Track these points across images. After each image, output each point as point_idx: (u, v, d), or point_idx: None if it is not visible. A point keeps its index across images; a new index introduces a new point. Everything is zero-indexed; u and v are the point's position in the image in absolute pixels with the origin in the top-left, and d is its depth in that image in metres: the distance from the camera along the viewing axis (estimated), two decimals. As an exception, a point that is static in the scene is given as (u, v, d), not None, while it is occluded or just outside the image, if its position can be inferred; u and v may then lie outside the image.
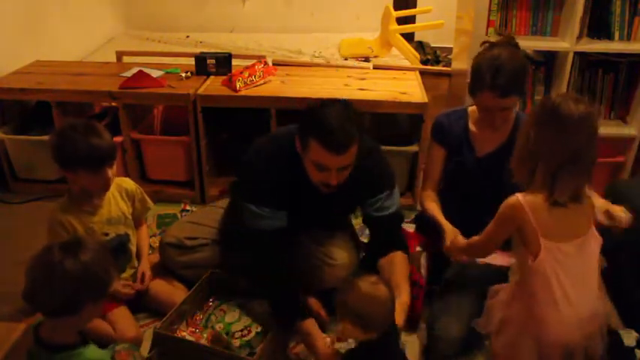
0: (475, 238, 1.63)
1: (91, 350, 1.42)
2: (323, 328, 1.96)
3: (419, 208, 2.42)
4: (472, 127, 2.00)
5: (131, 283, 1.97)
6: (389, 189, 1.91)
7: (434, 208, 2.01)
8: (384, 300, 1.48)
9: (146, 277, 2.00)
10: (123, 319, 1.89)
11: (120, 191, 1.98)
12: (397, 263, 1.86)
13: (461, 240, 1.75)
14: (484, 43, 1.90)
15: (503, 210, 1.48)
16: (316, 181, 1.74)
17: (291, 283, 1.83)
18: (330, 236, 2.07)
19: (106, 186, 1.87)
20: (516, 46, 1.85)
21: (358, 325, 1.47)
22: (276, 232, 1.82)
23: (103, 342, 1.78)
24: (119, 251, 1.96)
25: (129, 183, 2.03)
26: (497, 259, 1.83)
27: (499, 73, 1.75)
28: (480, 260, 1.85)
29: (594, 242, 1.49)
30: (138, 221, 2.08)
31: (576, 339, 1.46)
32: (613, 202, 1.58)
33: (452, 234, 1.86)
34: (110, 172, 1.83)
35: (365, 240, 2.27)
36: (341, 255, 2.02)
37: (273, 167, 1.82)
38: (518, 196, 1.44)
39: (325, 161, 1.66)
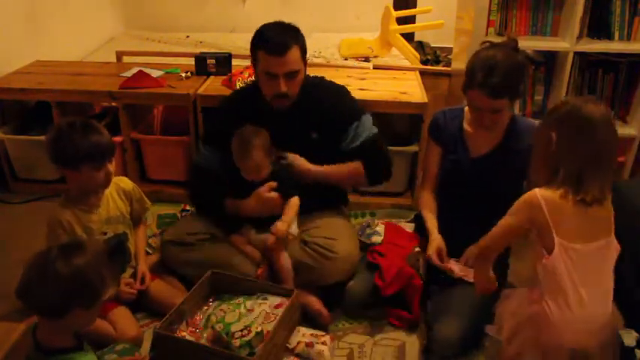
0: (485, 238, 1.59)
1: (82, 358, 1.42)
2: (325, 328, 1.98)
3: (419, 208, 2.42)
4: (467, 126, 2.00)
5: (132, 282, 1.97)
6: (357, 119, 2.08)
7: (429, 218, 2.02)
8: (246, 133, 1.93)
9: (146, 277, 2.00)
10: (123, 319, 1.89)
11: (117, 190, 1.98)
12: (342, 165, 2.07)
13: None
14: (484, 42, 1.90)
15: (519, 203, 1.47)
16: (269, 93, 1.97)
17: (218, 211, 2.08)
18: (329, 228, 2.08)
19: (107, 182, 1.87)
20: (515, 49, 1.84)
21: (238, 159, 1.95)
22: (207, 171, 2.12)
23: (104, 342, 1.78)
24: (118, 251, 1.96)
25: (126, 182, 2.03)
26: (470, 275, 1.85)
27: (491, 73, 1.73)
28: (457, 274, 1.88)
29: (614, 249, 1.48)
30: (137, 221, 2.08)
31: (586, 343, 1.45)
32: (613, 202, 1.57)
33: (434, 247, 1.89)
34: (110, 167, 1.85)
35: (365, 240, 2.27)
36: (342, 247, 2.01)
37: (233, 107, 2.13)
38: (537, 191, 1.43)
39: (271, 67, 1.91)
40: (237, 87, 2.65)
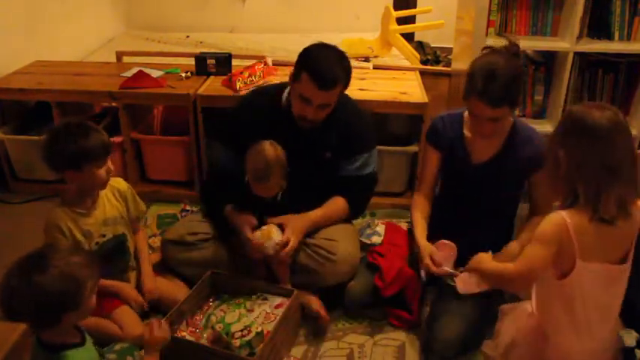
0: (509, 266, 1.40)
1: (74, 356, 1.41)
2: (323, 330, 1.98)
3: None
4: (467, 132, 1.96)
5: (142, 301, 1.96)
6: (370, 151, 2.09)
7: (418, 224, 1.99)
8: (269, 155, 1.86)
9: (152, 292, 2.00)
10: (128, 318, 1.89)
11: (113, 191, 1.97)
12: (332, 203, 2.08)
13: (490, 264, 1.51)
14: (485, 48, 1.88)
15: (548, 231, 1.33)
16: (296, 112, 1.95)
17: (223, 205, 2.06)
18: (330, 230, 2.07)
19: (107, 178, 1.86)
20: (517, 54, 1.80)
21: (256, 179, 1.89)
22: (223, 169, 2.10)
23: (109, 341, 1.79)
24: (117, 252, 1.96)
25: (120, 183, 2.02)
26: (472, 286, 1.75)
27: (492, 81, 1.70)
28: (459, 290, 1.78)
29: (628, 270, 1.38)
30: (134, 225, 2.06)
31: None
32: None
33: (427, 256, 1.85)
34: (110, 165, 1.85)
35: (365, 240, 2.27)
36: (342, 248, 2.01)
37: (251, 110, 2.08)
38: (564, 216, 1.31)
39: (310, 94, 1.87)
40: (237, 87, 2.65)
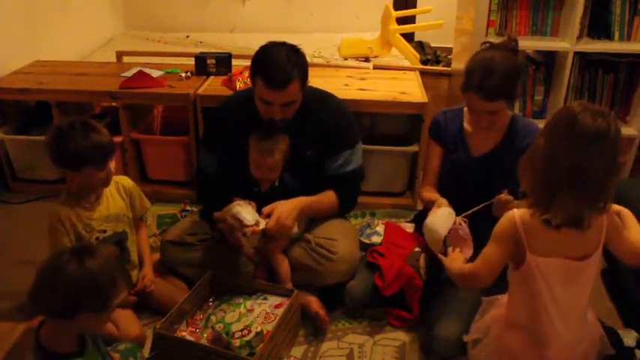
0: (469, 265, 1.47)
1: None
2: (323, 330, 1.98)
3: (419, 207, 2.42)
4: (467, 126, 2.00)
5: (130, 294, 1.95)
6: (352, 147, 2.06)
7: (431, 194, 2.01)
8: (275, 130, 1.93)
9: (146, 279, 2.00)
10: (126, 318, 1.88)
11: (117, 189, 1.98)
12: (323, 194, 2.05)
13: (456, 265, 1.53)
14: (484, 43, 1.90)
15: (500, 229, 1.38)
16: (264, 116, 1.94)
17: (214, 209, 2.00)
18: (329, 229, 2.07)
19: (107, 180, 1.87)
20: (514, 50, 1.83)
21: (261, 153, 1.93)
22: (206, 173, 2.13)
23: (106, 341, 1.78)
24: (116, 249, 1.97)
25: (126, 180, 2.03)
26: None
27: (488, 75, 1.74)
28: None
29: (593, 268, 1.37)
30: (137, 222, 2.08)
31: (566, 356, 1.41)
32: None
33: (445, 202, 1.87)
34: (111, 167, 1.85)
35: (365, 240, 2.27)
36: (342, 247, 2.01)
37: (228, 113, 2.10)
38: (515, 214, 1.35)
39: (267, 97, 1.87)
40: (237, 87, 2.65)
